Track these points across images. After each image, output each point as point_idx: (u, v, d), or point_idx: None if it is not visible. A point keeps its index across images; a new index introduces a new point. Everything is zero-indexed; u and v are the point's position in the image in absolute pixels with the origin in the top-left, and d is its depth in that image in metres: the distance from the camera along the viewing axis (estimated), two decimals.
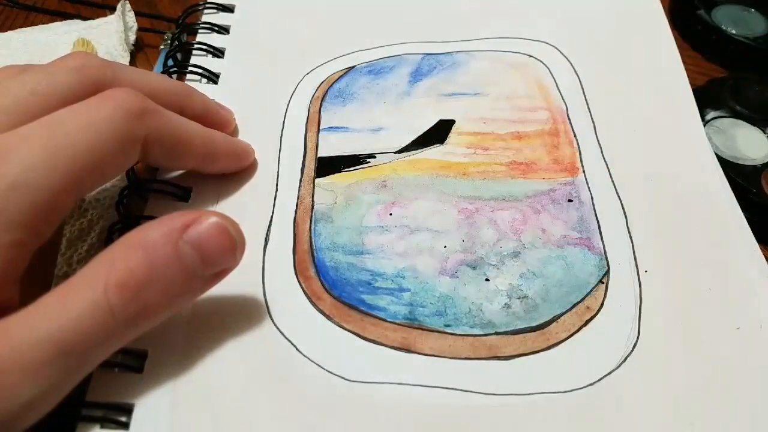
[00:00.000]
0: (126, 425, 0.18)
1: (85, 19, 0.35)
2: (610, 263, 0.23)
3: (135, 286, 0.17)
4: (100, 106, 0.19)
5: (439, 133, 0.27)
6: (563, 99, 0.29)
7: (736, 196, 0.25)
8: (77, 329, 0.16)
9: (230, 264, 0.19)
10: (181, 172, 0.25)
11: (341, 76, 0.30)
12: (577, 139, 0.27)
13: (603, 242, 0.24)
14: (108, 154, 0.19)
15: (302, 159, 0.26)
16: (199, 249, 0.18)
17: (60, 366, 0.16)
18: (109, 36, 0.33)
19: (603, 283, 0.23)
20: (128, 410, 0.19)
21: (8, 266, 0.17)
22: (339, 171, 0.26)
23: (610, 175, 0.26)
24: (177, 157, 0.23)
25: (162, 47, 0.33)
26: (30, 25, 0.34)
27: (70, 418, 0.18)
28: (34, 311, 0.16)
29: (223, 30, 0.32)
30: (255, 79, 0.30)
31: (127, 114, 0.20)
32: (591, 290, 0.23)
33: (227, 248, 0.18)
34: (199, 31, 0.31)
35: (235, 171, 0.25)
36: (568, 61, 0.30)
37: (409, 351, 0.21)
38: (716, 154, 0.27)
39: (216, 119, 0.25)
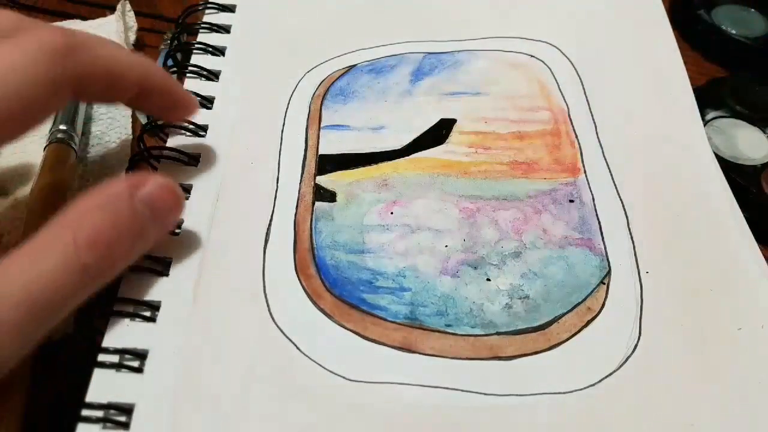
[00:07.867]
0: (126, 425, 0.18)
1: (85, 19, 0.35)
2: (611, 264, 0.23)
3: (104, 243, 0.18)
4: (22, 47, 0.18)
5: (440, 132, 0.27)
6: (564, 99, 0.29)
7: (736, 196, 0.25)
8: (51, 287, 0.17)
9: (176, 216, 0.21)
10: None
11: (342, 75, 0.30)
12: (578, 140, 0.27)
13: (604, 243, 0.24)
14: (34, 97, 0.18)
15: (303, 157, 0.26)
16: (150, 205, 0.19)
17: (36, 322, 0.17)
18: (109, 36, 0.33)
19: (604, 284, 0.23)
20: (128, 410, 0.19)
21: None
22: (340, 169, 0.26)
23: (611, 175, 0.26)
24: (111, 90, 0.22)
25: (162, 47, 0.32)
26: None
27: (70, 418, 0.18)
28: (3, 273, 0.17)
29: (224, 30, 0.32)
30: (255, 78, 0.29)
31: (53, 53, 0.18)
32: (592, 291, 0.23)
33: (173, 203, 0.21)
34: (200, 30, 0.31)
35: (176, 119, 0.25)
36: (569, 61, 0.30)
37: (410, 351, 0.21)
38: (716, 154, 0.27)
39: (177, 98, 0.24)
